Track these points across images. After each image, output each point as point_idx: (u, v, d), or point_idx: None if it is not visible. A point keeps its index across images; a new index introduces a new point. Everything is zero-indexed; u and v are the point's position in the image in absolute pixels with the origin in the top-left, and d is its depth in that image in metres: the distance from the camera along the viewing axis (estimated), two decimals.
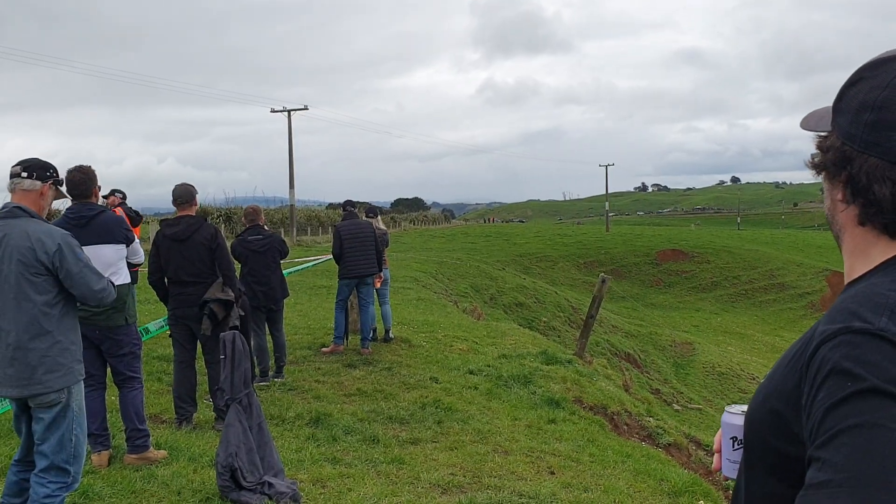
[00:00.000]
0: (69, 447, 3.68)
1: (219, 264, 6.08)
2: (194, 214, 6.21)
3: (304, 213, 51.22)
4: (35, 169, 3.77)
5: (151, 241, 6.23)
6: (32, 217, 3.70)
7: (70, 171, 4.92)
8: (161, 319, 7.60)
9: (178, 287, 6.07)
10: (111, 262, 4.95)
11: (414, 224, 72.97)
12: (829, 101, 1.20)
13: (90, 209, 4.96)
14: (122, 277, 5.02)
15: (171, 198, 6.20)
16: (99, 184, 5.15)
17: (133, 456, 5.01)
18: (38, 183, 3.76)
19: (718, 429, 1.33)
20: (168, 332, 6.42)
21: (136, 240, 5.35)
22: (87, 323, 4.89)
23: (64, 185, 4.25)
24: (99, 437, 4.98)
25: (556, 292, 34.24)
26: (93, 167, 5.03)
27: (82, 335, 4.93)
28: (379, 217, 10.36)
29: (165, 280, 6.15)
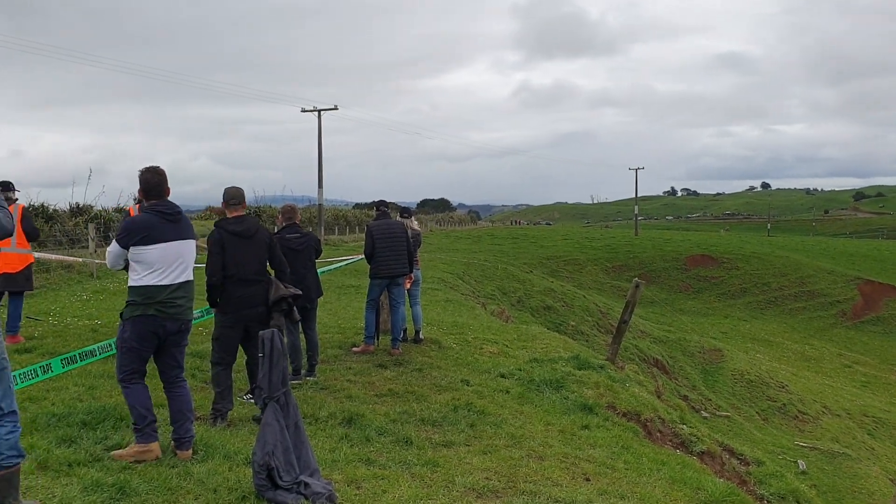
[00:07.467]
0: (11, 391, 3.88)
1: (275, 262, 6.26)
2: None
3: (332, 212, 51.48)
4: None
5: (213, 241, 6.02)
6: None
7: (144, 173, 5.06)
8: (198, 311, 7.54)
9: (243, 286, 5.95)
10: (193, 258, 5.16)
11: (440, 225, 72.97)
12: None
13: (176, 206, 5.10)
14: (192, 272, 5.20)
15: (223, 199, 6.14)
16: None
17: (187, 452, 5.02)
18: None
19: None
20: (215, 335, 6.22)
21: None
22: (174, 319, 4.98)
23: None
24: (146, 428, 4.97)
25: (584, 296, 34.05)
26: (162, 167, 5.15)
27: (154, 334, 4.92)
28: (413, 217, 10.34)
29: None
